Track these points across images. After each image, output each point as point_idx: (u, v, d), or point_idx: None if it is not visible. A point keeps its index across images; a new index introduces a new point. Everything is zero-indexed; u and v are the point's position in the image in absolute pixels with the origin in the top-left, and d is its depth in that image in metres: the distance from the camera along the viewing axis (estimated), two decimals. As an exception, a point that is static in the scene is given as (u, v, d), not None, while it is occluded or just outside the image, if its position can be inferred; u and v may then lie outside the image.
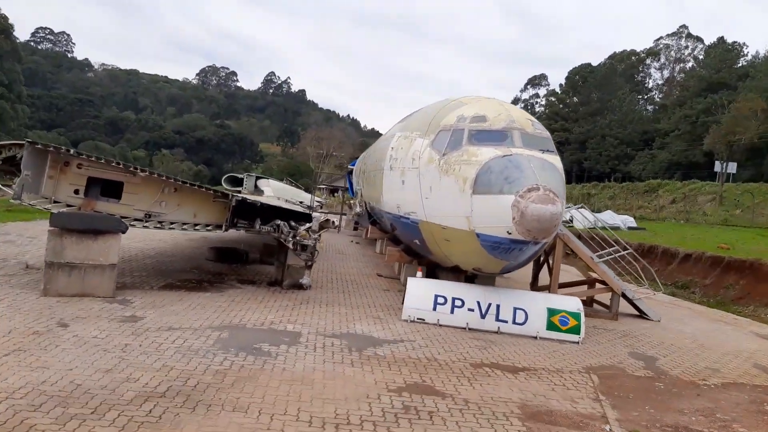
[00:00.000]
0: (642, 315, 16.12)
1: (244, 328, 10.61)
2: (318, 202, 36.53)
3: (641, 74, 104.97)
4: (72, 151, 11.88)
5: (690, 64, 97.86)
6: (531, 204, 10.66)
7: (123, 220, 12.01)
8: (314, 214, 13.40)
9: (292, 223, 13.83)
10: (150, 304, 11.52)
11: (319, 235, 13.39)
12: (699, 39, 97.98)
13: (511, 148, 12.16)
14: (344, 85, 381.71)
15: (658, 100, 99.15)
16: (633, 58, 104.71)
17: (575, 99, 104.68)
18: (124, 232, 11.86)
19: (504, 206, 11.03)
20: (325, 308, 12.93)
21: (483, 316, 12.44)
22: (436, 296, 12.70)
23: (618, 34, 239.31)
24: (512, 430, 7.14)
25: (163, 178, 12.82)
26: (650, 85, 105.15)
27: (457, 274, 15.71)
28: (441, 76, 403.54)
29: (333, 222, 13.52)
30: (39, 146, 11.60)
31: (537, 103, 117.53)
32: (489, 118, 13.10)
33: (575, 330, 12.32)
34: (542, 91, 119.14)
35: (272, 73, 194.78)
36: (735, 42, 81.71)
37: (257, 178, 31.86)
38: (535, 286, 17.29)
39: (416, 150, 14.64)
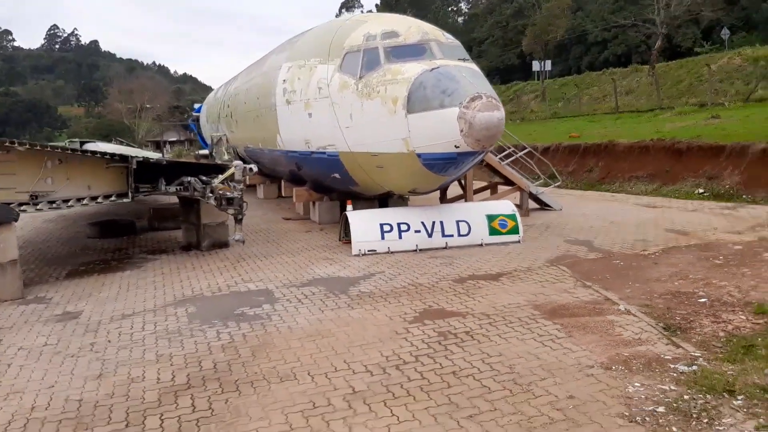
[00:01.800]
0: (545, 207, 17.29)
1: (204, 297, 9.49)
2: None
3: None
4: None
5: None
6: (478, 113, 10.54)
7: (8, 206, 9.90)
8: (235, 162, 12.09)
9: (203, 178, 12.42)
10: (74, 297, 9.80)
11: (244, 185, 12.18)
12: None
13: (435, 61, 11.84)
14: (142, 31, 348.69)
15: (466, 11, 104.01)
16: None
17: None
18: (16, 221, 9.79)
19: (448, 120, 10.79)
20: (268, 261, 12.02)
21: (430, 235, 12.40)
22: (381, 225, 12.37)
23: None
24: (551, 329, 7.25)
25: (48, 149, 10.63)
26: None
27: (370, 202, 15.51)
28: (251, 11, 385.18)
29: (251, 168, 12.35)
30: None
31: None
32: (401, 33, 12.59)
33: (515, 230, 12.80)
34: (357, 13, 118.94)
35: (55, 26, 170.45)
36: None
37: (81, 143, 29.01)
38: (444, 199, 17.63)
39: (321, 78, 13.70)
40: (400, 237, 12.30)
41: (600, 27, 58.98)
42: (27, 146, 10.29)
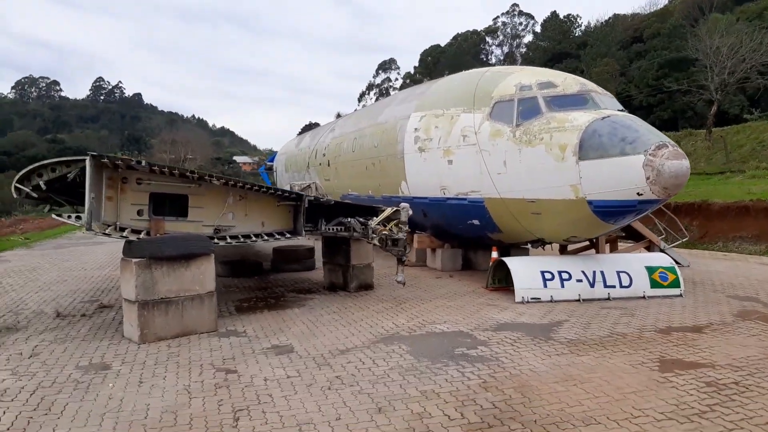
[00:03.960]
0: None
1: (403, 336, 9.28)
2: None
3: (484, 51, 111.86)
4: (143, 162, 9.48)
5: (527, 39, 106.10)
6: (667, 161, 10.45)
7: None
8: (402, 204, 12.09)
9: (361, 219, 12.45)
10: (268, 331, 9.68)
11: (408, 227, 12.15)
12: (530, 16, 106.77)
13: (602, 110, 11.95)
14: (183, 85, 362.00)
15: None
16: (475, 37, 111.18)
17: (430, 79, 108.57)
18: (213, 253, 9.80)
19: (633, 167, 10.68)
20: (430, 304, 11.82)
21: (592, 285, 12.14)
22: (543, 272, 12.17)
23: (451, 20, 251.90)
24: (827, 382, 6.92)
25: (239, 185, 10.76)
26: (493, 61, 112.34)
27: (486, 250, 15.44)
28: (282, 70, 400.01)
29: (409, 211, 12.38)
30: (104, 160, 9.12)
31: (391, 87, 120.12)
32: (558, 84, 12.82)
33: (676, 284, 12.50)
34: (393, 75, 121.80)
35: (101, 79, 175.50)
36: (569, 14, 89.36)
37: None
38: (564, 251, 17.40)
39: (466, 126, 13.89)
40: (563, 285, 12.06)
41: (645, 93, 59.48)
42: (223, 181, 10.45)
